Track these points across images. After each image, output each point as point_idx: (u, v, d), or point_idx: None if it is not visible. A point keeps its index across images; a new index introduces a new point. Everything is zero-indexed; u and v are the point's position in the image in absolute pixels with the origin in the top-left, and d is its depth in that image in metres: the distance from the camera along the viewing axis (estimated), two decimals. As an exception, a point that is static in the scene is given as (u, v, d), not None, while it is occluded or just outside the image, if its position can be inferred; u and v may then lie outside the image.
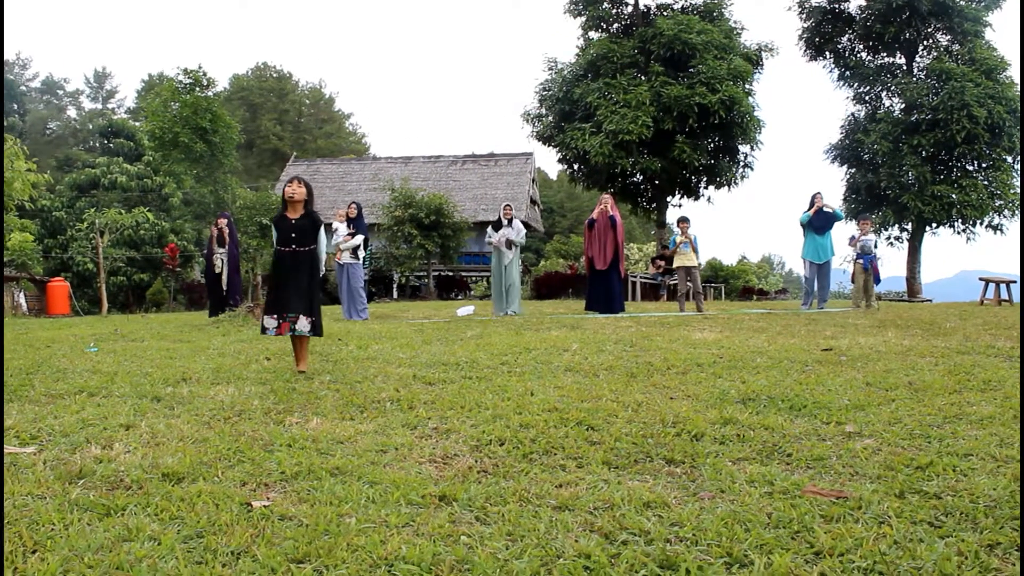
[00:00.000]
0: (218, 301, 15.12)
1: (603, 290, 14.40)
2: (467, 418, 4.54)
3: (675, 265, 16.30)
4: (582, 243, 41.40)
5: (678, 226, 16.34)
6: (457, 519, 2.82)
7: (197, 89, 16.40)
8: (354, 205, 14.42)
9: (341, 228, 14.33)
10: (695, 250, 15.69)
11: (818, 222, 14.98)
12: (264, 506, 2.95)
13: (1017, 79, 29.01)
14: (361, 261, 14.39)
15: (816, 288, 15.59)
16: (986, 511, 2.80)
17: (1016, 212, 29.10)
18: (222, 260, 15.10)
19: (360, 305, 14.24)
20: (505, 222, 14.32)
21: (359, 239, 14.08)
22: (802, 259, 15.12)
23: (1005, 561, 2.38)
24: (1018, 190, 28.85)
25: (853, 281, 16.36)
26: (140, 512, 2.90)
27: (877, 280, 16.25)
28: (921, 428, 4.14)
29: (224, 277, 15.16)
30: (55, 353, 8.39)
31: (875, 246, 16.60)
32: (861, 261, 15.72)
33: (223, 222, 15.28)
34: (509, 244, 14.32)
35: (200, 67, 16.60)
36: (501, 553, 2.48)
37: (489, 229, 14.61)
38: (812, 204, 14.97)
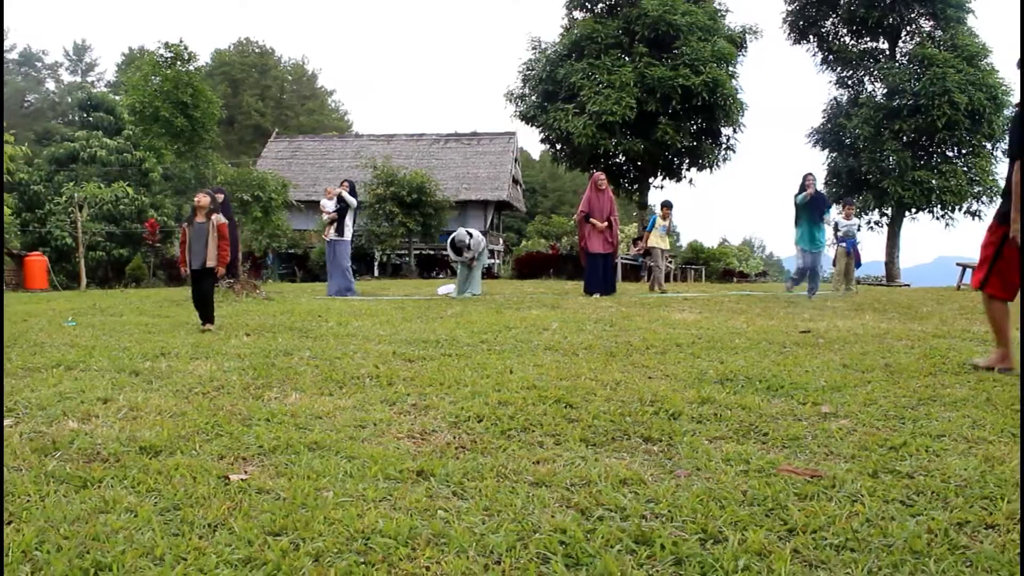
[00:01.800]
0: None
1: (601, 272, 13.94)
2: (446, 395, 4.55)
3: (651, 245, 16.42)
4: (563, 223, 41.48)
5: (661, 210, 16.43)
6: (434, 494, 2.83)
7: (178, 63, 16.21)
8: (347, 183, 14.37)
9: (328, 205, 14.27)
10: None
11: (813, 207, 13.88)
12: (242, 479, 2.95)
13: (998, 65, 29.18)
14: (348, 239, 14.32)
15: (808, 277, 14.29)
16: (957, 490, 2.84)
17: (994, 198, 29.32)
18: None
19: (345, 283, 14.17)
20: (465, 246, 13.42)
21: (343, 209, 14.17)
22: (795, 246, 14.18)
23: (973, 539, 2.42)
24: (997, 177, 29.05)
25: (835, 264, 16.49)
26: (117, 484, 2.89)
27: (858, 264, 16.34)
28: (896, 409, 4.19)
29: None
30: (32, 327, 8.32)
31: (858, 230, 16.71)
32: (844, 245, 15.82)
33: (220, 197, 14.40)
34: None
35: (181, 41, 16.41)
36: (478, 527, 2.49)
37: (451, 252, 13.68)
38: (804, 187, 13.91)
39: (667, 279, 16.39)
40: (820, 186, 31.96)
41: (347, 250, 14.36)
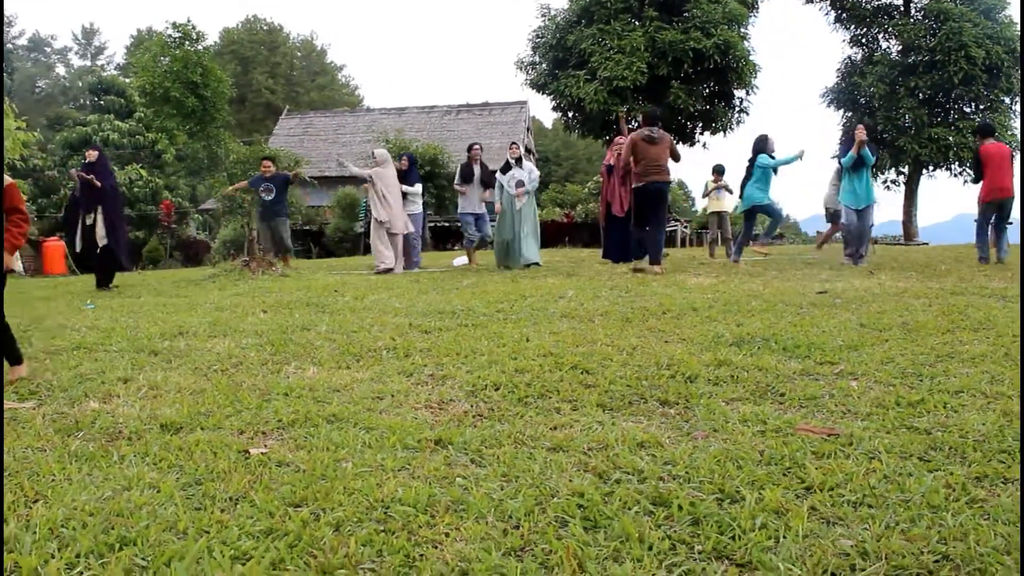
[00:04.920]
0: (100, 264, 11.59)
1: (620, 238, 13.00)
2: (463, 364, 4.57)
3: (709, 211, 16.04)
4: (577, 191, 41.29)
5: (713, 175, 16.08)
6: (452, 462, 2.85)
7: (187, 43, 16.15)
8: (406, 158, 14.25)
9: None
10: (730, 192, 15.40)
11: (852, 161, 11.59)
12: (262, 453, 2.98)
13: (1016, 17, 28.72)
14: (422, 211, 14.45)
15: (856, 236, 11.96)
16: (975, 445, 2.84)
17: (1015, 154, 29.01)
18: (96, 211, 11.31)
19: (415, 256, 14.18)
20: (513, 162, 12.66)
21: (417, 187, 14.07)
22: (840, 205, 12.16)
23: (991, 492, 2.42)
24: (1016, 132, 28.71)
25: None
26: (139, 462, 2.93)
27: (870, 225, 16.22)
28: (913, 367, 4.17)
29: (99, 230, 11.31)
30: (52, 311, 8.40)
31: None
32: None
33: (92, 155, 11.65)
34: (521, 187, 12.58)
35: (189, 21, 16.36)
36: (496, 493, 2.51)
37: (498, 174, 12.82)
38: (850, 139, 11.74)
39: (682, 244, 16.08)
40: (835, 147, 31.71)
41: (419, 223, 14.33)
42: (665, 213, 11.61)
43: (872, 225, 14.09)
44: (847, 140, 11.43)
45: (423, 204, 15.03)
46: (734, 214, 15.69)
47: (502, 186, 12.66)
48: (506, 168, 12.74)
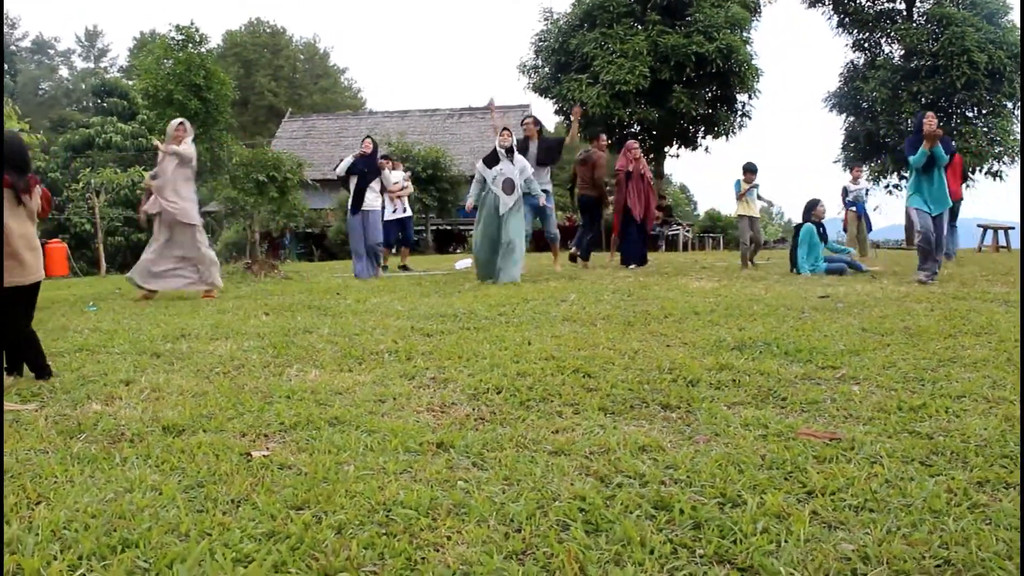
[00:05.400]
0: None
1: (640, 242, 13.64)
2: (464, 368, 4.57)
3: (739, 213, 14.31)
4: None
5: (744, 174, 14.22)
6: (454, 465, 2.85)
7: (190, 46, 16.21)
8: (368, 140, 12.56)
9: (395, 175, 13.92)
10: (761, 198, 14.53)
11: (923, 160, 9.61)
12: (264, 456, 2.98)
13: (1019, 23, 28.73)
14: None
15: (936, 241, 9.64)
16: (977, 450, 2.84)
17: (1016, 158, 29.01)
18: None
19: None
20: (503, 153, 10.27)
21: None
22: (910, 209, 10.01)
23: (993, 497, 2.42)
24: (1018, 136, 28.71)
25: (845, 230, 16.33)
26: (141, 464, 2.93)
27: (869, 228, 16.19)
28: (915, 371, 4.18)
29: None
30: (54, 313, 8.41)
31: (866, 194, 16.55)
32: (855, 209, 15.70)
33: None
34: (511, 187, 10.22)
35: (192, 23, 16.42)
36: (497, 497, 2.51)
37: (479, 165, 10.46)
38: (920, 132, 9.59)
39: (684, 248, 15.89)
40: (837, 151, 31.62)
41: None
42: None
43: (870, 229, 14.03)
44: (916, 135, 9.58)
45: (404, 205, 14.58)
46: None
47: (484, 180, 10.30)
48: (493, 160, 10.32)
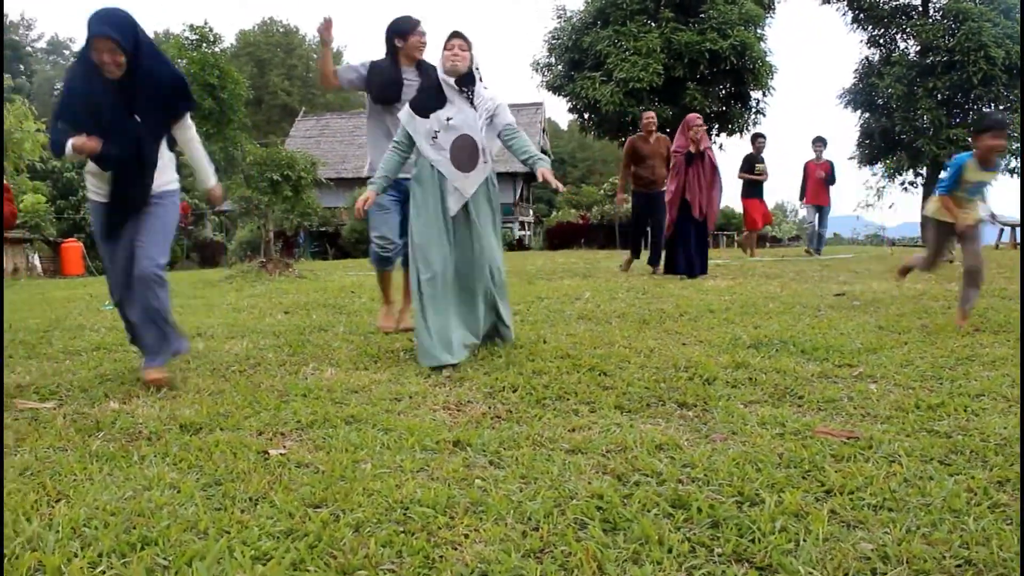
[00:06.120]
0: None
1: (699, 246, 10.27)
2: (480, 366, 4.57)
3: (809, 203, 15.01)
4: (593, 193, 41.14)
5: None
6: (471, 463, 2.85)
7: (204, 46, 16.26)
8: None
9: None
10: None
11: None
12: (281, 454, 2.99)
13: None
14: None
15: None
16: (996, 449, 2.82)
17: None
18: None
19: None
20: (448, 85, 4.97)
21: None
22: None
23: (1013, 496, 2.41)
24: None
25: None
26: (159, 462, 2.95)
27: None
28: (933, 370, 4.15)
29: None
30: (71, 312, 8.46)
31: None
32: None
33: None
34: (471, 153, 4.97)
35: (206, 23, 16.46)
36: (515, 495, 2.51)
37: (404, 112, 5.10)
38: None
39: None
40: (852, 148, 31.42)
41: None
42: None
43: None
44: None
45: None
46: None
47: (408, 143, 5.09)
48: (427, 98, 5.07)
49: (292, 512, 2.40)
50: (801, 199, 15.55)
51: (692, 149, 10.15)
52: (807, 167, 15.21)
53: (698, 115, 10.46)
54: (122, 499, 2.56)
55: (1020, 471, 2.60)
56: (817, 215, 15.30)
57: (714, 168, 10.31)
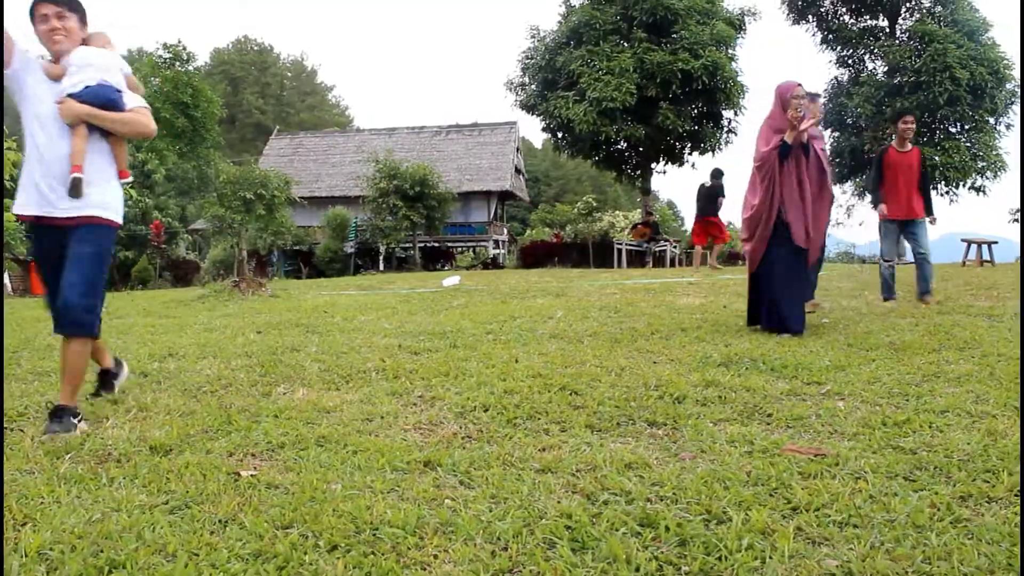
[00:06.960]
0: None
1: (797, 285, 6.50)
2: (452, 386, 4.58)
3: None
4: (566, 211, 41.20)
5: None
6: (441, 483, 2.86)
7: (177, 64, 16.26)
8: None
9: None
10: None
11: None
12: (251, 475, 2.98)
13: (999, 40, 29.04)
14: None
15: None
16: (960, 464, 2.87)
17: (998, 173, 29.23)
18: None
19: None
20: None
21: None
22: None
23: (976, 512, 2.45)
24: (1000, 152, 28.97)
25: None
26: (128, 484, 2.93)
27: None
28: (900, 387, 4.21)
29: None
30: (41, 332, 8.36)
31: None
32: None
33: None
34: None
35: (180, 41, 16.46)
36: (484, 515, 2.52)
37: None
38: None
39: (671, 263, 15.61)
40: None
41: None
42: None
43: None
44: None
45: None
46: None
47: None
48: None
49: (261, 534, 2.40)
50: None
51: (789, 138, 6.41)
52: None
53: (798, 83, 6.59)
54: (90, 522, 2.54)
55: (1020, 471, 2.65)
56: None
57: (821, 170, 6.63)
